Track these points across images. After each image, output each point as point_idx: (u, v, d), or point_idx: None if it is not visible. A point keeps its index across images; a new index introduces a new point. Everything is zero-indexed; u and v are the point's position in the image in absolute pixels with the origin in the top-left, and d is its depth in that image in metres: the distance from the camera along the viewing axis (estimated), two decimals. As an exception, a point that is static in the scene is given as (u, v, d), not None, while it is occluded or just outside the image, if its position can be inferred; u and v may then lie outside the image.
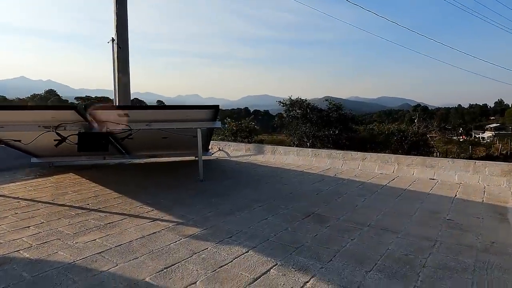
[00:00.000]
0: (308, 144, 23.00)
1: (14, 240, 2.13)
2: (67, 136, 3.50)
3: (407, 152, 25.41)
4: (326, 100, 25.08)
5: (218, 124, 3.86)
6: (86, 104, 2.93)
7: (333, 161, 4.75)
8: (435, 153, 29.55)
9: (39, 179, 4.01)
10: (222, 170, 4.59)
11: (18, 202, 3.05)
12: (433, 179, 3.97)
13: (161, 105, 4.38)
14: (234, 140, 20.87)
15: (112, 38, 6.51)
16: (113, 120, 3.48)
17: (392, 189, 3.51)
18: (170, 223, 2.44)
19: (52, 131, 3.39)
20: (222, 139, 20.10)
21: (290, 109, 23.74)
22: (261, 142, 24.54)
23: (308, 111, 23.15)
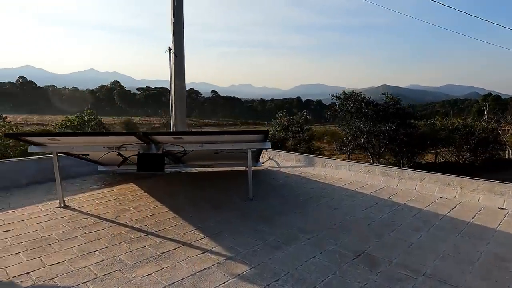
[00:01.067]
0: (362, 139, 22.13)
1: (82, 268, 2.36)
2: (129, 156, 3.77)
3: (474, 150, 23.33)
4: (383, 93, 23.84)
5: (268, 145, 3.88)
6: (146, 132, 3.17)
7: (387, 179, 4.53)
8: (507, 153, 26.75)
9: (105, 190, 4.38)
10: (270, 184, 4.62)
11: (87, 219, 3.36)
12: (503, 208, 3.61)
13: (214, 131, 4.53)
14: (285, 134, 20.75)
15: (169, 47, 6.79)
16: (169, 142, 3.67)
17: (453, 221, 3.26)
18: (220, 256, 2.53)
19: (115, 151, 3.67)
20: (273, 134, 20.08)
21: (344, 103, 22.95)
22: (312, 136, 24.10)
23: (363, 105, 22.18)
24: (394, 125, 21.67)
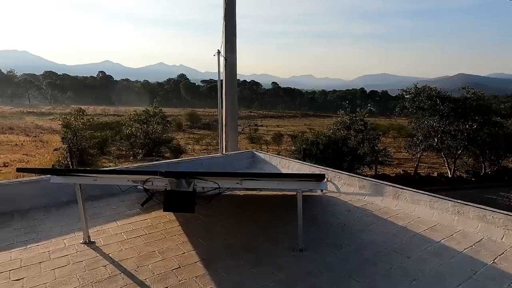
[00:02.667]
0: (435, 140, 19.73)
1: None
2: (155, 193, 3.22)
3: None
4: (463, 87, 20.93)
5: (324, 185, 3.04)
6: (169, 172, 2.72)
7: (487, 227, 3.38)
8: None
9: (138, 218, 3.91)
10: (327, 222, 3.75)
11: (105, 267, 2.87)
12: None
13: (256, 173, 3.63)
14: (347, 133, 19.19)
15: (218, 50, 6.18)
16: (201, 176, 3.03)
17: None
18: None
19: (141, 186, 3.14)
20: (334, 133, 18.76)
21: (415, 98, 20.63)
22: (377, 135, 22.10)
23: (438, 101, 19.70)
24: (475, 124, 18.96)
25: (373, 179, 4.52)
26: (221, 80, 7.22)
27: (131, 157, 29.72)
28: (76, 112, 40.99)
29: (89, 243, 3.31)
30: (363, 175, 16.66)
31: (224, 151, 7.31)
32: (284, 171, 5.85)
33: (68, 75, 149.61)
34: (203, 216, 3.96)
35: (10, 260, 3.01)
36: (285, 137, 46.60)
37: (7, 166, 21.82)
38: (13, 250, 3.19)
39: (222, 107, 7.50)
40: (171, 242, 3.31)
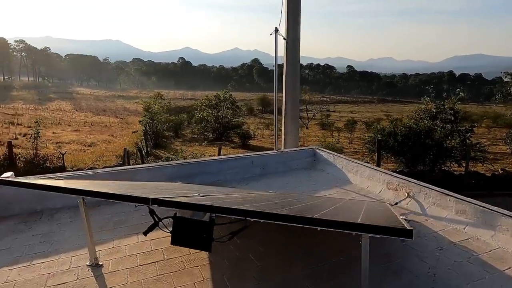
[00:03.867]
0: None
1: None
2: (162, 219, 2.45)
3: None
4: None
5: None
6: (163, 200, 2.05)
7: None
8: None
9: (154, 241, 3.18)
10: (407, 269, 2.60)
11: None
12: None
13: (303, 217, 2.44)
14: (432, 123, 16.47)
15: (276, 28, 5.20)
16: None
17: None
18: None
19: (147, 206, 2.41)
20: (416, 124, 16.35)
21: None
22: (467, 118, 18.75)
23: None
24: None
25: (478, 203, 3.19)
26: (280, 63, 6.25)
27: (202, 141, 30.50)
28: (155, 96, 43.56)
29: (95, 266, 2.73)
30: (451, 174, 14.26)
31: (282, 147, 6.40)
32: (350, 176, 4.73)
33: (153, 61, 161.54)
34: (230, 245, 3.12)
35: (5, 282, 2.56)
36: (358, 124, 43.73)
37: (92, 146, 23.92)
38: (15, 266, 2.75)
39: (283, 93, 6.57)
40: (189, 278, 2.55)
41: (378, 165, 13.63)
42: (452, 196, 3.39)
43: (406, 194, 3.80)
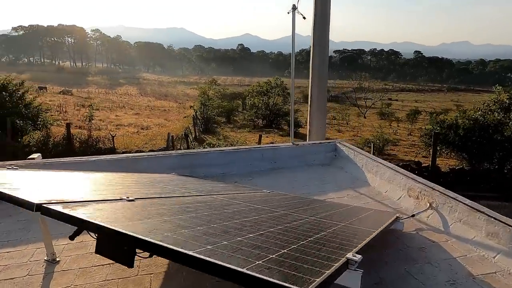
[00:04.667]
0: None
1: None
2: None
3: None
4: None
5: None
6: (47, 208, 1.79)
7: None
8: None
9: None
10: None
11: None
12: None
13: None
14: (503, 116, 14.15)
15: (294, 5, 4.62)
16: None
17: None
18: None
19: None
20: (483, 116, 14.27)
21: None
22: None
23: None
24: None
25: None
26: (306, 48, 5.66)
27: (252, 128, 30.49)
28: (209, 82, 44.40)
29: (52, 262, 2.57)
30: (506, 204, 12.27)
31: (307, 139, 5.85)
32: (369, 177, 4.08)
33: (213, 48, 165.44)
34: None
35: (-37, 271, 2.51)
36: (423, 115, 40.35)
37: (146, 129, 25.14)
38: (-19, 254, 2.71)
39: (309, 79, 5.97)
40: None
41: (433, 162, 12.23)
42: (484, 213, 2.64)
43: (428, 205, 3.10)
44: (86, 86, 78.95)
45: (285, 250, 1.26)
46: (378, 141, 19.37)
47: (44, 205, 1.49)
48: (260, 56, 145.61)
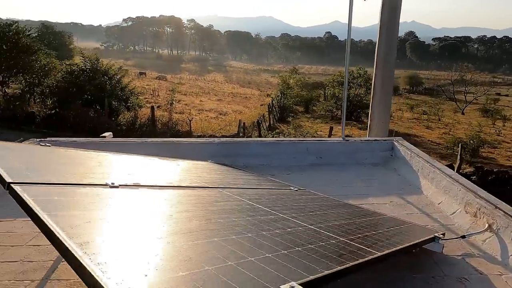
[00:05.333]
0: None
1: None
2: None
3: None
4: None
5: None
6: None
7: None
8: None
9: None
10: None
11: None
12: None
13: None
14: None
15: (352, -16, 4.14)
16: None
17: None
18: None
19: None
20: None
21: None
22: None
23: None
24: None
25: None
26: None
27: (330, 119, 29.52)
28: (290, 71, 44.21)
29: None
30: None
31: (368, 135, 5.33)
32: (423, 184, 3.49)
33: (299, 36, 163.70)
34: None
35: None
36: (539, 114, 34.26)
37: (225, 115, 26.18)
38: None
39: (373, 67, 5.41)
40: None
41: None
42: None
43: (487, 225, 2.50)
44: (179, 72, 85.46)
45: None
46: (472, 141, 16.95)
47: (13, 184, 1.53)
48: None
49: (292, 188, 3.12)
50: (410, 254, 2.21)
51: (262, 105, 29.77)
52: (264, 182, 3.23)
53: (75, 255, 0.93)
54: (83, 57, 20.09)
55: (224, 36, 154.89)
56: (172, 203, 1.85)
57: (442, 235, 2.32)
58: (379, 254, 1.63)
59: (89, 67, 19.39)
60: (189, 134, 15.53)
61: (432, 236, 2.24)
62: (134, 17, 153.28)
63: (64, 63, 23.18)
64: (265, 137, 15.72)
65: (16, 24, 22.40)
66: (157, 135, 15.37)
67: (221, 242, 1.33)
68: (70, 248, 0.96)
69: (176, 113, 24.06)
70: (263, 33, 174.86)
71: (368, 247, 1.71)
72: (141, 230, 1.38)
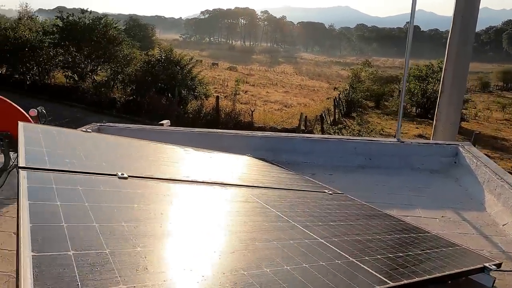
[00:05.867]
0: None
1: None
2: None
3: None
4: None
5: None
6: None
7: None
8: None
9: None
10: None
11: None
12: None
13: None
14: None
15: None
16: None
17: None
18: None
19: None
20: None
21: None
22: None
23: None
24: None
25: None
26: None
27: (403, 116, 27.45)
28: (362, 64, 42.11)
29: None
30: None
31: (432, 137, 4.80)
32: (487, 200, 2.96)
33: (377, 27, 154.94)
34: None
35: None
36: None
37: (289, 107, 25.90)
38: None
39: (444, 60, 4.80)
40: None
41: None
42: None
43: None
44: (250, 63, 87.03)
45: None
46: None
47: (23, 169, 1.60)
48: (432, 35, 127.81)
49: (326, 191, 2.88)
50: (448, 284, 1.87)
51: (328, 99, 28.82)
52: (297, 182, 3.04)
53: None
54: (159, 48, 21.48)
55: (297, 27, 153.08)
56: (186, 200, 1.79)
57: (495, 266, 1.93)
58: (397, 283, 1.39)
59: (164, 57, 20.68)
60: (250, 124, 15.70)
61: (481, 266, 1.87)
62: (211, 9, 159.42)
63: (144, 54, 25.03)
64: (326, 131, 15.17)
65: (105, 17, 24.77)
66: (220, 124, 15.84)
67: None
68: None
69: (242, 103, 24.52)
70: (337, 24, 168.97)
71: (384, 272, 1.46)
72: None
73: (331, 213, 2.24)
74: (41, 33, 24.31)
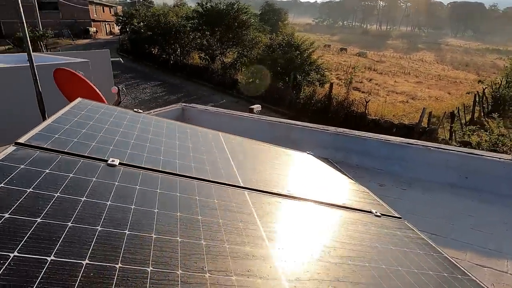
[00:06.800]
0: None
1: None
2: None
3: None
4: None
5: None
6: None
7: None
8: None
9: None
10: None
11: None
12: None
13: None
14: None
15: None
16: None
17: None
18: None
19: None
20: None
21: None
22: None
23: None
24: None
25: None
26: None
27: None
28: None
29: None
30: None
31: None
32: None
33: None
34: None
35: None
36: None
37: (416, 99, 22.86)
38: None
39: None
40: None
41: None
42: None
43: None
44: (383, 49, 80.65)
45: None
46: None
47: (16, 145, 1.67)
48: None
49: (373, 212, 2.30)
50: None
51: (468, 93, 24.22)
52: (340, 194, 2.52)
53: None
54: (280, 32, 21.66)
55: (447, 8, 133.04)
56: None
57: None
58: None
59: (285, 42, 20.80)
60: (363, 116, 14.51)
61: None
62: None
63: (268, 38, 25.71)
64: (454, 132, 12.75)
65: (238, 2, 26.27)
66: (330, 113, 15.14)
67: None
68: None
69: (362, 92, 22.89)
70: (502, 4, 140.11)
71: None
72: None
73: (361, 243, 1.73)
74: (184, 18, 27.51)
